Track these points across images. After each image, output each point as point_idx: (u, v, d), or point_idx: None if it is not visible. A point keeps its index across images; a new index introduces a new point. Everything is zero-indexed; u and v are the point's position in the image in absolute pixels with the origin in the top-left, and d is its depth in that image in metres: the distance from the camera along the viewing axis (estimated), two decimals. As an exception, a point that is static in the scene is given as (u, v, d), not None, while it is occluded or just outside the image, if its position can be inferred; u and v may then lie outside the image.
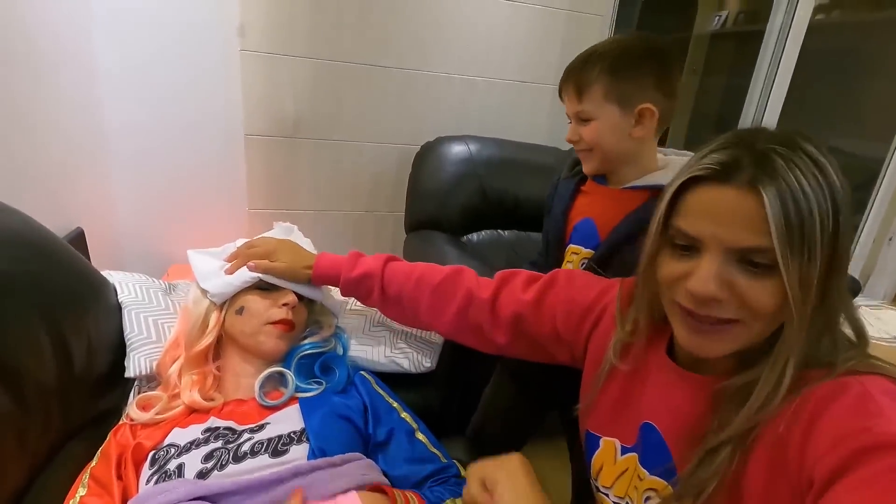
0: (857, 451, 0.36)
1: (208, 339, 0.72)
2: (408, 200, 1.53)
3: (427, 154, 1.51)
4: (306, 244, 0.87)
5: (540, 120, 1.67)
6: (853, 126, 2.78)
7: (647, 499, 0.50)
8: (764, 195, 0.40)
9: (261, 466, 0.58)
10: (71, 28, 1.15)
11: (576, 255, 0.85)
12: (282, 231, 0.88)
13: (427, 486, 0.64)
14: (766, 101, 2.16)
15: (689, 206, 0.45)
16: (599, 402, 0.57)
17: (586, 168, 0.82)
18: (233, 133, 1.44)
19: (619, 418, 0.55)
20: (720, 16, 3.00)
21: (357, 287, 0.76)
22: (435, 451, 0.68)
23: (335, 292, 0.83)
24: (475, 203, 1.49)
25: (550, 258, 0.90)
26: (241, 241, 0.82)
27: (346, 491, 0.54)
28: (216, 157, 1.45)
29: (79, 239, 1.10)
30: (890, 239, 2.59)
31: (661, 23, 3.33)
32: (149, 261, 1.42)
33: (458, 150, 1.49)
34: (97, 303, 0.74)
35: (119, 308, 0.78)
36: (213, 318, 0.73)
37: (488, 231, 1.54)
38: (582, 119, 0.77)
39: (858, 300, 2.62)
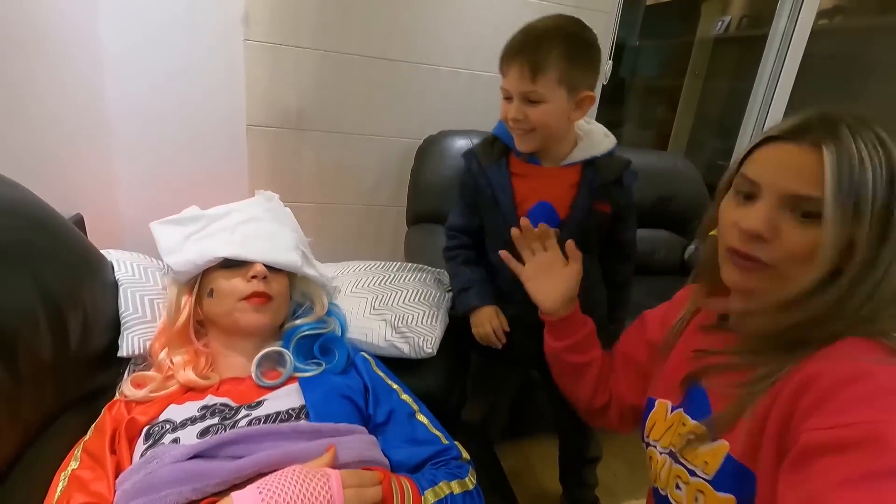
0: (851, 439, 0.37)
1: (182, 321, 0.71)
2: (410, 194, 1.53)
3: (430, 148, 1.50)
4: (286, 215, 0.86)
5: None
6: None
7: (688, 441, 0.54)
8: (824, 151, 0.45)
9: None
10: (75, 15, 1.14)
11: None
12: (263, 199, 0.87)
13: (427, 468, 0.62)
14: (769, 106, 2.16)
15: (756, 158, 0.51)
16: (662, 372, 0.64)
17: (524, 147, 0.82)
18: (235, 123, 1.43)
19: (672, 383, 0.61)
20: (723, 20, 3.01)
21: (594, 343, 0.75)
22: (436, 432, 0.67)
23: (318, 265, 0.82)
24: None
25: (511, 249, 0.82)
26: (195, 208, 0.81)
27: (342, 464, 0.53)
28: (218, 146, 1.44)
29: (78, 225, 1.09)
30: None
31: (665, 27, 3.35)
32: (148, 249, 1.40)
33: (461, 144, 1.49)
34: (94, 279, 0.73)
35: (116, 286, 0.77)
36: (184, 300, 0.72)
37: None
38: (530, 100, 0.77)
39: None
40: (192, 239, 0.76)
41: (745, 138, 2.28)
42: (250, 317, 0.70)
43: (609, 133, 0.89)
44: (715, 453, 0.50)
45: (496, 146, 0.88)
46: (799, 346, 0.46)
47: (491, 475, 1.05)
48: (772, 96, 2.15)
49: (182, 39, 1.30)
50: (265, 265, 0.72)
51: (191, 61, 1.32)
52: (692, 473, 0.53)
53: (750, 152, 0.52)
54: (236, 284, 0.71)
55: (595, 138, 0.86)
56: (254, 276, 0.71)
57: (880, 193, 0.44)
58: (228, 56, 1.35)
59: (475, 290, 0.90)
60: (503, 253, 0.79)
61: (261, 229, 0.79)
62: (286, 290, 0.76)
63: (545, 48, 0.73)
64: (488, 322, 0.87)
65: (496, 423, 1.17)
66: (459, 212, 0.96)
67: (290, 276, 0.78)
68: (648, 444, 0.63)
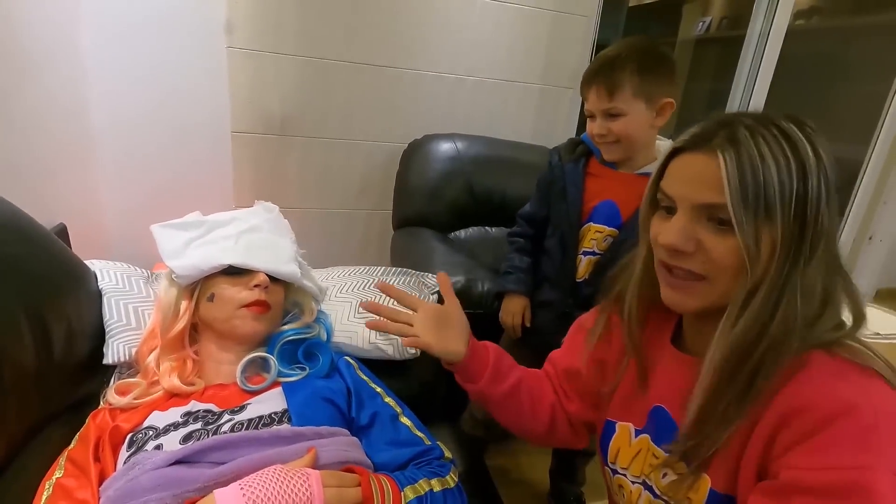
0: (838, 487, 0.37)
1: (181, 325, 0.72)
2: (395, 198, 1.54)
3: (415, 151, 1.52)
4: (285, 227, 0.87)
5: (526, 119, 1.69)
6: (833, 129, 2.84)
7: (665, 475, 0.54)
8: (720, 156, 0.45)
9: None
10: (58, 26, 1.14)
11: (599, 233, 0.93)
12: (263, 210, 0.88)
13: (409, 468, 0.63)
14: (748, 105, 2.20)
15: (669, 172, 0.51)
16: (617, 393, 0.62)
17: (610, 156, 0.91)
18: (220, 130, 1.44)
19: (632, 405, 0.60)
20: (704, 21, 3.06)
21: (519, 384, 0.68)
22: (419, 433, 0.68)
23: (315, 273, 0.84)
24: (462, 200, 1.50)
25: (568, 238, 0.96)
26: (198, 214, 0.82)
27: (323, 465, 0.54)
28: (203, 154, 1.45)
29: (61, 235, 1.09)
30: (870, 238, 2.64)
31: (647, 28, 3.39)
32: (133, 259, 1.40)
33: (445, 147, 1.51)
34: (78, 289, 0.73)
35: (100, 295, 0.77)
36: (184, 305, 0.73)
37: (476, 228, 1.55)
38: (611, 115, 0.85)
39: (841, 299, 2.68)
40: (194, 244, 0.76)
41: (725, 137, 2.32)
42: (249, 324, 0.71)
43: None
44: (697, 489, 0.49)
45: (580, 148, 0.98)
46: (762, 368, 0.45)
47: (479, 483, 1.08)
48: (750, 96, 2.19)
49: (165, 48, 1.31)
50: (267, 275, 0.73)
51: (174, 70, 1.33)
52: None
53: (665, 165, 0.52)
54: (238, 292, 0.72)
55: None
56: (256, 285, 0.72)
57: (789, 188, 0.44)
58: (211, 64, 1.36)
59: (515, 277, 1.04)
60: (440, 275, 0.75)
61: (263, 239, 0.80)
62: (282, 301, 0.78)
63: (618, 69, 0.83)
64: (519, 312, 1.03)
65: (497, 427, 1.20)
66: (533, 200, 1.07)
67: (286, 287, 0.79)
68: (615, 472, 0.61)
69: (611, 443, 0.62)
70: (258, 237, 0.80)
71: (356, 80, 1.49)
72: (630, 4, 3.34)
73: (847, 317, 0.48)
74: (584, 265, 0.95)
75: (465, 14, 1.52)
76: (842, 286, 0.47)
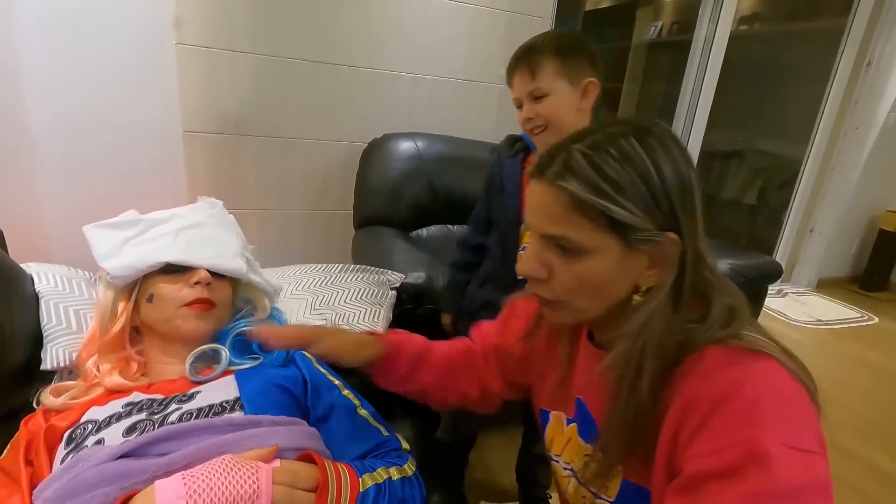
0: (734, 463, 0.38)
1: (118, 328, 0.69)
2: (356, 197, 1.53)
3: (375, 151, 1.51)
4: (230, 222, 0.84)
5: (487, 117, 1.72)
6: (775, 128, 3.01)
7: (586, 464, 0.55)
8: (556, 187, 0.45)
9: None
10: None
11: None
12: (206, 205, 0.85)
13: (367, 458, 0.63)
14: (696, 107, 2.30)
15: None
16: (547, 382, 0.63)
17: (542, 144, 0.89)
18: (170, 130, 1.39)
19: (561, 395, 0.60)
20: (656, 26, 3.18)
21: (422, 364, 0.67)
22: (377, 424, 0.68)
23: (261, 271, 0.81)
24: (424, 199, 1.50)
25: (508, 235, 0.95)
26: (133, 212, 0.79)
27: (282, 453, 0.53)
28: (152, 154, 1.39)
29: (-3, 240, 1.03)
30: (811, 230, 2.81)
31: (603, 31, 3.50)
32: (76, 262, 1.32)
33: (405, 146, 1.51)
34: (11, 293, 0.69)
35: (37, 298, 0.73)
36: (121, 306, 0.70)
37: (437, 226, 1.56)
38: (536, 97, 0.85)
39: (787, 288, 2.83)
40: (130, 243, 0.73)
41: (677, 137, 2.42)
42: (191, 323, 0.68)
43: None
44: (612, 478, 0.51)
45: (518, 144, 0.98)
46: (645, 374, 0.45)
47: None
48: (697, 98, 2.30)
49: (108, 43, 1.25)
50: (209, 271, 0.71)
51: (118, 66, 1.27)
52: (596, 496, 0.54)
53: None
54: (178, 290, 0.69)
55: None
56: (197, 282, 0.69)
57: (636, 205, 0.44)
58: (159, 60, 1.31)
59: (446, 300, 1.10)
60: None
61: (205, 235, 0.77)
62: (229, 298, 0.75)
63: (536, 50, 0.85)
64: (449, 324, 1.08)
65: (470, 427, 1.20)
66: (480, 201, 1.06)
67: (234, 283, 0.77)
68: (553, 459, 0.62)
69: (546, 430, 0.63)
70: (200, 233, 0.77)
71: (313, 78, 1.47)
72: (586, 8, 3.45)
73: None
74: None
75: (421, 13, 1.52)
76: (718, 285, 0.48)
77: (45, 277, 0.77)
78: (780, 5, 2.95)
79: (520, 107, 0.89)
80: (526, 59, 0.85)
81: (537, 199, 0.48)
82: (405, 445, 0.67)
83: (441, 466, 1.17)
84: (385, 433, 0.67)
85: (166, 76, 1.33)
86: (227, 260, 0.74)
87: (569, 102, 0.85)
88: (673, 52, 3.07)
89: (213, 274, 0.71)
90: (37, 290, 0.74)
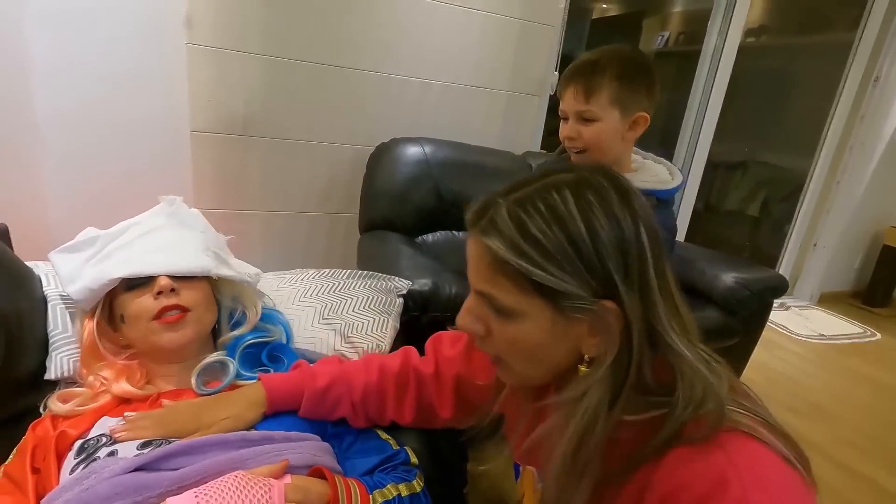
0: None
1: (86, 347, 0.67)
2: (362, 201, 1.53)
3: (382, 155, 1.51)
4: (191, 216, 0.80)
5: (493, 124, 1.71)
6: (782, 141, 3.02)
7: None
8: (482, 243, 0.42)
9: None
10: (1, 17, 1.08)
11: None
12: (165, 205, 0.81)
13: (376, 473, 0.63)
14: (703, 118, 2.31)
15: None
16: (515, 432, 0.59)
17: (580, 164, 0.87)
18: (178, 129, 1.39)
19: (532, 451, 0.55)
20: (663, 35, 3.18)
21: (324, 399, 0.64)
22: (386, 437, 0.67)
23: (237, 263, 0.78)
24: (430, 204, 1.50)
25: None
26: (91, 230, 0.75)
27: (292, 470, 0.53)
28: (160, 153, 1.39)
29: (2, 236, 1.03)
30: (815, 245, 2.81)
31: (609, 40, 3.50)
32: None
33: (413, 151, 1.50)
34: (21, 294, 0.68)
35: (45, 301, 0.73)
36: (85, 324, 0.68)
37: (443, 232, 1.56)
38: (584, 119, 0.83)
39: (789, 301, 2.83)
40: (90, 263, 0.69)
41: (682, 149, 2.43)
42: (166, 337, 0.65)
43: (673, 176, 0.89)
44: None
45: (563, 156, 0.97)
46: (591, 459, 0.42)
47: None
48: (705, 109, 2.30)
49: (118, 40, 1.25)
50: (172, 276, 0.66)
51: (127, 64, 1.27)
52: None
53: None
54: (144, 304, 0.65)
55: (646, 175, 0.88)
56: (159, 292, 0.65)
57: (566, 268, 0.40)
58: (170, 59, 1.31)
59: None
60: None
61: (162, 239, 0.72)
62: (206, 298, 0.70)
63: (599, 71, 0.80)
64: None
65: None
66: None
67: (214, 282, 0.73)
68: None
69: (518, 482, 0.61)
70: (157, 238, 0.72)
71: (322, 81, 1.47)
72: (594, 17, 3.45)
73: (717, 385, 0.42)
74: None
75: (432, 19, 1.52)
76: (686, 360, 0.42)
77: (53, 280, 0.75)
78: (789, 18, 2.95)
79: (564, 119, 0.87)
80: (585, 77, 0.81)
81: (469, 251, 0.45)
82: (414, 459, 0.66)
83: (442, 470, 1.17)
84: (395, 446, 0.67)
85: (176, 75, 1.33)
86: (189, 260, 0.69)
87: (615, 132, 0.83)
88: (679, 61, 3.07)
89: (180, 278, 0.67)
90: (45, 293, 0.73)
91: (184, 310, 0.66)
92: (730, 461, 0.38)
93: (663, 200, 0.86)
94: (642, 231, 0.42)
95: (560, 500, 0.45)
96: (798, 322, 2.56)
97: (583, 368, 0.44)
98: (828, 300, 2.87)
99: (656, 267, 0.42)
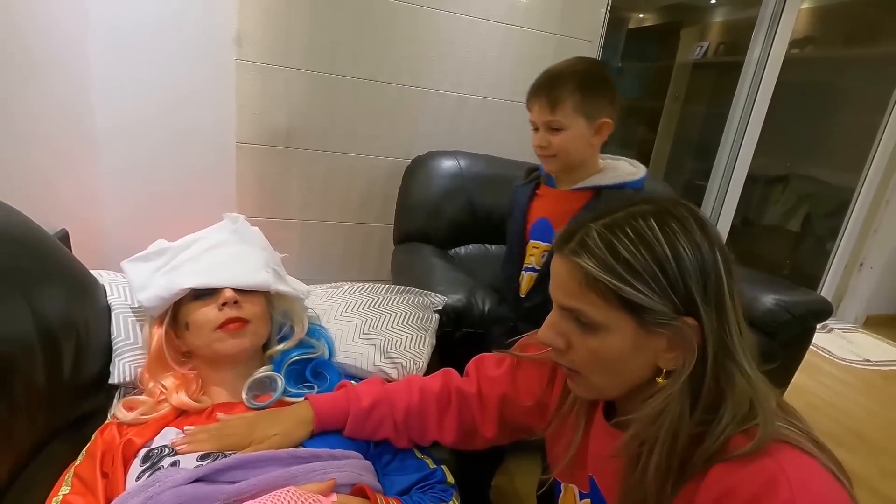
0: None
1: (153, 354, 0.72)
2: (397, 213, 1.55)
3: (418, 168, 1.54)
4: (254, 235, 0.85)
5: (528, 139, 1.71)
6: (826, 156, 2.91)
7: None
8: (572, 262, 0.47)
9: None
10: (65, 32, 1.15)
11: (536, 248, 0.97)
12: (229, 222, 0.87)
13: (413, 492, 0.64)
14: (745, 130, 2.25)
15: None
16: (558, 448, 0.62)
17: (549, 168, 0.95)
18: (224, 141, 1.45)
19: (575, 469, 0.59)
20: (702, 46, 3.12)
21: (367, 419, 0.66)
22: (423, 456, 0.69)
23: (293, 281, 0.83)
24: (463, 217, 1.51)
25: (514, 255, 1.02)
26: (162, 241, 0.80)
27: (336, 488, 0.55)
28: (206, 164, 1.45)
29: (63, 241, 1.09)
30: (860, 265, 2.69)
31: (646, 51, 3.46)
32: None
33: (448, 164, 1.52)
34: (87, 303, 0.73)
35: (109, 309, 0.77)
36: (154, 332, 0.73)
37: (476, 245, 1.57)
38: (552, 128, 0.89)
39: (832, 323, 2.72)
40: (160, 273, 0.75)
41: (722, 160, 2.37)
42: (229, 344, 0.70)
43: (637, 168, 0.96)
44: None
45: (533, 174, 1.05)
46: (668, 462, 0.44)
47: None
48: (747, 121, 2.24)
49: (173, 57, 1.32)
50: (235, 289, 0.71)
51: (181, 79, 1.34)
52: None
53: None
54: (208, 314, 0.70)
55: (614, 172, 0.95)
56: (224, 304, 0.70)
57: (653, 286, 0.44)
58: (219, 74, 1.37)
59: None
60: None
61: (227, 253, 0.78)
62: (264, 311, 0.75)
63: (560, 84, 0.87)
64: None
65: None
66: None
67: (269, 296, 0.78)
68: None
69: (559, 501, 0.63)
70: (223, 252, 0.78)
71: (362, 95, 1.50)
72: (629, 27, 3.42)
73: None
74: (525, 281, 1.00)
75: (471, 34, 1.54)
76: (741, 380, 0.45)
77: (117, 290, 0.81)
78: (837, 30, 2.85)
79: (535, 129, 0.93)
80: (548, 90, 0.88)
81: (556, 271, 0.49)
82: (450, 479, 0.68)
83: (468, 482, 1.18)
84: (432, 465, 0.68)
85: (225, 90, 1.39)
86: (251, 275, 0.75)
87: (582, 138, 0.89)
88: (718, 72, 3.01)
89: (242, 291, 0.72)
90: (109, 302, 0.78)
91: (244, 322, 0.71)
92: (779, 467, 0.40)
93: (637, 190, 0.93)
94: (718, 256, 0.46)
95: None
96: (841, 346, 2.45)
97: (661, 380, 0.47)
98: (874, 323, 2.74)
99: (730, 288, 0.46)
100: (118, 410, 0.68)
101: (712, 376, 0.45)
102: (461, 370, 0.96)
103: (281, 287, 0.78)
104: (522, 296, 0.99)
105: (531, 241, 0.99)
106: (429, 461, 0.69)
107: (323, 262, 1.64)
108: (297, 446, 0.62)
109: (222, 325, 0.70)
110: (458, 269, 1.39)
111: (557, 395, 0.62)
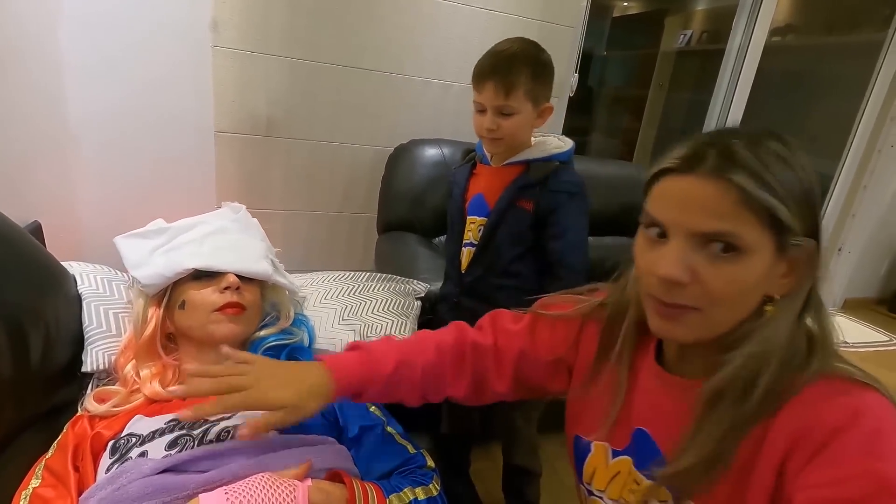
0: (860, 496, 0.36)
1: (149, 333, 0.71)
2: (380, 202, 1.54)
3: (401, 156, 1.52)
4: (254, 225, 0.86)
5: (512, 126, 1.71)
6: (806, 143, 2.92)
7: (645, 501, 0.51)
8: (729, 181, 0.42)
9: None
10: (36, 18, 1.11)
11: (473, 223, 0.99)
12: (230, 211, 0.87)
13: (393, 476, 0.64)
14: (726, 117, 2.26)
15: (656, 194, 0.47)
16: (589, 407, 0.58)
17: (494, 149, 0.96)
18: (203, 130, 1.42)
19: (610, 424, 0.55)
20: (685, 34, 3.13)
21: (388, 384, 0.59)
22: (403, 442, 0.69)
23: (298, 277, 0.83)
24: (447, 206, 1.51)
25: (455, 233, 1.03)
26: (160, 221, 0.80)
27: (311, 474, 0.54)
28: (185, 153, 1.43)
29: (35, 233, 1.06)
30: (839, 249, 2.74)
31: (630, 39, 3.46)
32: (109, 259, 1.38)
33: (431, 153, 1.51)
34: (57, 293, 0.72)
35: (80, 299, 0.76)
36: (151, 312, 0.72)
37: (460, 233, 1.56)
38: (504, 113, 0.89)
39: (810, 307, 2.77)
40: (158, 252, 0.75)
41: (704, 149, 2.38)
42: (225, 327, 0.70)
43: (564, 143, 0.98)
44: None
45: (470, 155, 1.06)
46: (764, 397, 0.43)
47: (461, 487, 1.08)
48: (728, 108, 2.26)
49: (147, 44, 1.28)
50: (237, 275, 0.72)
51: (156, 66, 1.30)
52: None
53: (650, 184, 0.47)
54: (208, 296, 0.71)
55: (542, 146, 0.96)
56: (227, 288, 0.71)
57: (793, 205, 0.42)
58: (196, 62, 1.34)
59: None
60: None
61: (230, 240, 0.79)
62: (258, 300, 0.77)
63: (516, 69, 0.86)
64: None
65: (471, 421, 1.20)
66: None
67: (263, 286, 0.78)
68: (591, 493, 0.58)
69: (585, 462, 0.58)
70: (225, 238, 0.79)
71: (343, 82, 1.48)
72: (614, 15, 3.41)
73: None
74: (465, 256, 1.01)
75: (453, 21, 1.53)
76: (822, 310, 0.46)
77: (87, 279, 0.79)
78: (817, 17, 2.88)
79: (481, 111, 0.92)
80: (504, 75, 0.87)
81: (693, 194, 0.43)
82: (430, 463, 0.68)
83: (447, 460, 1.19)
84: (412, 450, 0.68)
85: (201, 77, 1.36)
86: (253, 263, 0.76)
87: (528, 122, 0.91)
88: (702, 60, 3.01)
89: (242, 278, 0.73)
90: (79, 292, 0.77)
91: (242, 308, 0.72)
92: (863, 402, 0.40)
93: (564, 162, 0.95)
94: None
95: (709, 457, 0.44)
96: (820, 328, 2.50)
97: (769, 308, 0.45)
98: (852, 307, 2.80)
99: None
100: (89, 402, 0.66)
101: (815, 306, 0.44)
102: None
103: (278, 278, 0.79)
104: (463, 271, 1.00)
105: (469, 217, 1.00)
106: (409, 446, 0.69)
107: (307, 252, 1.63)
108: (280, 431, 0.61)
109: (221, 308, 0.70)
110: (442, 257, 1.39)
111: (586, 357, 0.59)
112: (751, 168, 0.42)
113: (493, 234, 0.94)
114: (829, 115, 2.79)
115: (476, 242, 0.98)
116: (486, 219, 0.96)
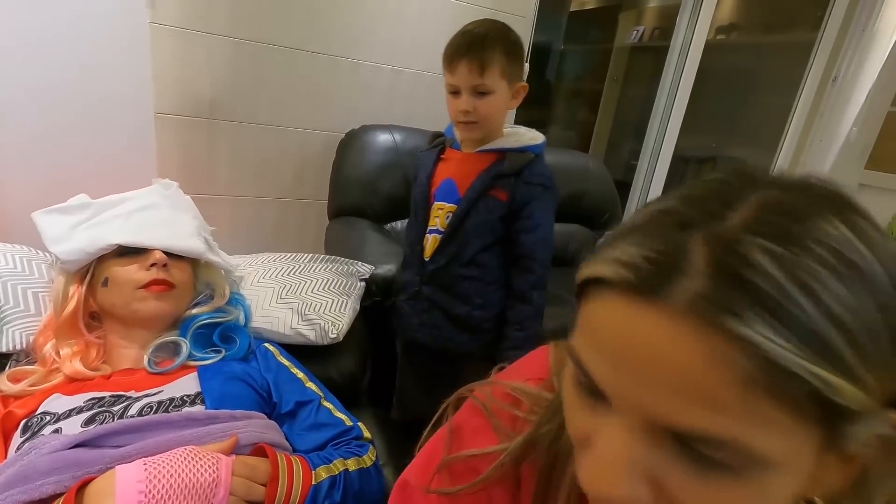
0: None
1: (69, 312, 0.69)
2: (331, 188, 1.53)
3: (352, 142, 1.51)
4: (186, 202, 0.84)
5: (464, 114, 1.72)
6: (747, 137, 3.11)
7: None
8: (734, 336, 0.21)
9: None
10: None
11: (441, 210, 0.97)
12: (161, 187, 0.85)
13: (326, 449, 0.64)
14: (670, 112, 2.36)
15: (589, 320, 0.26)
16: None
17: (469, 135, 0.93)
18: (141, 111, 1.36)
19: None
20: (637, 30, 3.23)
21: None
22: (340, 415, 0.69)
23: (222, 253, 0.81)
24: (400, 192, 1.51)
25: (419, 218, 1.00)
26: (83, 196, 0.77)
27: (237, 448, 0.54)
28: (121, 134, 1.35)
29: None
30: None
31: (587, 34, 3.54)
32: (37, 242, 1.30)
33: (383, 138, 1.51)
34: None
35: (-6, 279, 0.72)
36: (72, 290, 0.69)
37: (412, 219, 1.57)
38: (479, 92, 0.86)
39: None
40: (81, 227, 0.72)
41: (650, 142, 2.48)
42: (150, 305, 0.68)
43: (537, 136, 0.97)
44: None
45: (438, 139, 1.02)
46: None
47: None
48: (672, 103, 2.35)
49: (76, 18, 1.21)
50: (165, 252, 0.70)
51: (87, 43, 1.24)
52: None
53: (581, 292, 0.27)
54: (133, 273, 0.68)
55: (516, 136, 0.95)
56: (153, 264, 0.69)
57: (870, 364, 0.21)
58: (132, 40, 1.28)
59: None
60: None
61: (159, 216, 0.77)
62: (189, 279, 0.75)
63: (490, 47, 0.85)
64: None
65: (419, 406, 1.21)
66: None
67: (194, 265, 0.76)
68: None
69: None
70: (154, 214, 0.77)
71: (291, 66, 1.45)
72: (571, 9, 3.48)
73: None
74: (430, 243, 0.98)
75: (404, 6, 1.52)
76: None
77: (4, 258, 0.75)
78: (757, 17, 3.03)
79: (454, 93, 0.89)
80: (478, 52, 0.85)
81: (659, 352, 0.23)
82: (367, 434, 0.68)
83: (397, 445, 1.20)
84: (348, 423, 0.68)
85: (138, 55, 1.30)
86: (182, 239, 0.74)
87: (504, 103, 0.89)
88: (653, 56, 3.12)
89: (171, 255, 0.71)
90: (-6, 271, 0.73)
91: (170, 285, 0.69)
92: None
93: (538, 155, 0.94)
94: None
95: None
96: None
97: None
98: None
99: None
100: (2, 382, 0.63)
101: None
102: (391, 339, 0.94)
103: (212, 257, 0.77)
104: (427, 259, 0.98)
105: (436, 203, 0.97)
106: (346, 419, 0.69)
107: (255, 239, 1.59)
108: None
109: (147, 286, 0.68)
110: (392, 242, 1.39)
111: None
112: (782, 307, 0.21)
113: (462, 222, 0.91)
114: (768, 111, 2.95)
115: (443, 230, 0.95)
116: (455, 206, 0.93)
